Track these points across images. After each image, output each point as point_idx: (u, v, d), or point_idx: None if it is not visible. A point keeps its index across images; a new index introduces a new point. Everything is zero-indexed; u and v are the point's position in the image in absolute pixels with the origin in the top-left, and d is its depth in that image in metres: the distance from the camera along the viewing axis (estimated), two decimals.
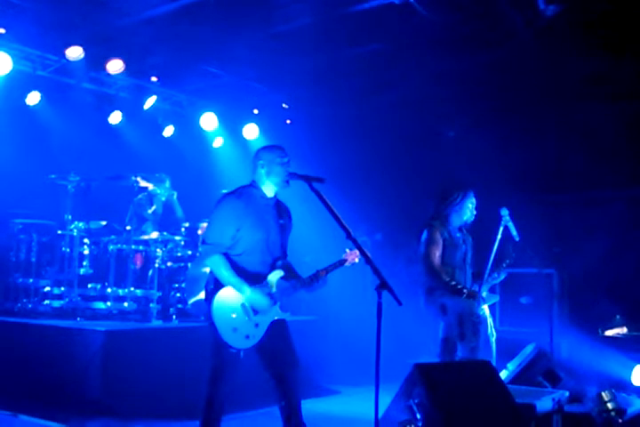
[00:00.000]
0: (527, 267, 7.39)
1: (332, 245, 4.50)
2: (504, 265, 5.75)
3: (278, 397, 4.14)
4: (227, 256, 4.11)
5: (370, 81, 8.29)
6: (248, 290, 4.04)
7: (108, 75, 8.09)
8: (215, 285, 4.10)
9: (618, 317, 7.47)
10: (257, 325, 4.09)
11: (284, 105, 9.59)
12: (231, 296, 4.04)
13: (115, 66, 7.90)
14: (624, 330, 7.30)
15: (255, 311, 4.07)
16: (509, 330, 7.28)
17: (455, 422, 4.05)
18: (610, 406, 4.79)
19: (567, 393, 4.95)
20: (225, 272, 4.05)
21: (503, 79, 7.47)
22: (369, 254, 3.81)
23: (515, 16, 5.98)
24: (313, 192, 3.97)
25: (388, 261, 8.06)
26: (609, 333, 7.29)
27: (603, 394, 4.85)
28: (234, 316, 4.02)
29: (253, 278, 4.12)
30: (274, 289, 4.15)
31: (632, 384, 6.01)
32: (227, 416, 4.19)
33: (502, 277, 5.66)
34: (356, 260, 4.30)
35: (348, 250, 4.32)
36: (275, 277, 4.16)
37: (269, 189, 4.27)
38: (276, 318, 4.17)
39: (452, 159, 8.06)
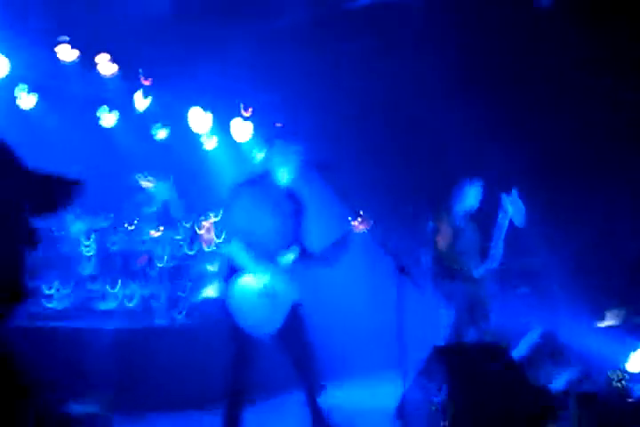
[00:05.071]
0: (524, 256, 7.46)
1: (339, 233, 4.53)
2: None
3: (297, 381, 4.19)
4: (243, 243, 4.16)
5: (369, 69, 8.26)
6: (264, 274, 4.10)
7: (102, 77, 8.08)
8: (232, 273, 4.16)
9: (615, 305, 7.55)
10: (276, 309, 4.13)
11: (277, 124, 9.63)
12: (250, 282, 4.11)
13: (108, 68, 7.92)
14: (621, 319, 7.39)
15: (274, 295, 4.12)
16: (505, 319, 7.35)
17: (474, 404, 4.12)
18: (620, 384, 4.87)
19: (578, 373, 5.04)
20: (243, 257, 4.13)
21: (504, 66, 7.55)
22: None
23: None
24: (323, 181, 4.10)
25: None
26: (606, 322, 7.38)
27: (613, 373, 4.93)
28: (253, 301, 4.07)
29: (268, 263, 4.17)
30: (288, 272, 4.21)
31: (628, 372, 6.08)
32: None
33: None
34: (367, 227, 4.23)
35: (350, 218, 4.29)
36: (288, 259, 4.23)
37: (281, 176, 4.34)
38: (293, 300, 4.22)
39: (454, 147, 8.08)
